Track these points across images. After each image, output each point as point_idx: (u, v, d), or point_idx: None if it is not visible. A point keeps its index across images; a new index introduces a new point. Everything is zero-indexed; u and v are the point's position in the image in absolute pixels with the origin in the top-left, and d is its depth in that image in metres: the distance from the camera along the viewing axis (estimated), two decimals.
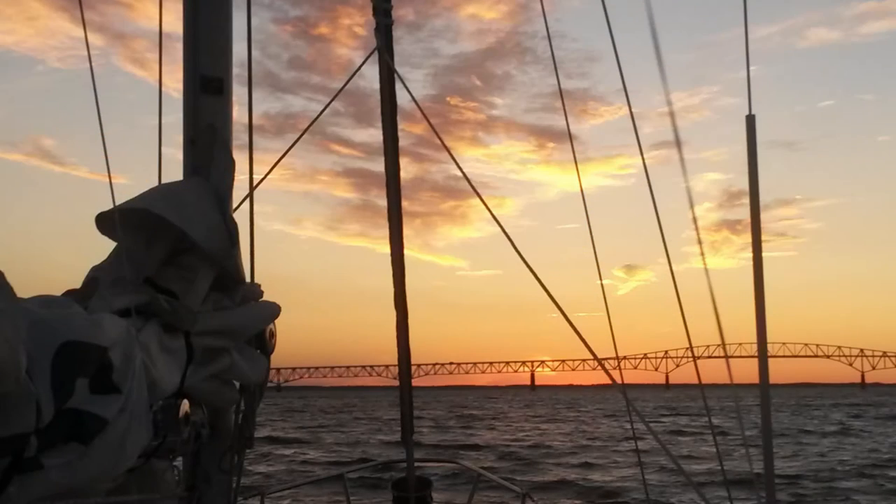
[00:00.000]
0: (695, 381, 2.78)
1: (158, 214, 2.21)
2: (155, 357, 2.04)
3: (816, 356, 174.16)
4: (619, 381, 2.82)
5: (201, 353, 2.25)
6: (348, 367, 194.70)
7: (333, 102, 3.22)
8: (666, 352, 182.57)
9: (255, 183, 2.61)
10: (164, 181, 2.52)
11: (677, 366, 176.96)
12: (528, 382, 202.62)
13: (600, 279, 3.02)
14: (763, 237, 1.97)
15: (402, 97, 3.14)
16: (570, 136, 3.20)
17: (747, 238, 1.97)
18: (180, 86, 2.56)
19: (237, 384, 2.46)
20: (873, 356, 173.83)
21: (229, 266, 2.36)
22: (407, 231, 3.27)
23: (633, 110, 2.85)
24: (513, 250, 2.76)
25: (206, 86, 2.52)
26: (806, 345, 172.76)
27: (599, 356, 2.67)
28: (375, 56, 3.10)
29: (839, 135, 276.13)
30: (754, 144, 1.94)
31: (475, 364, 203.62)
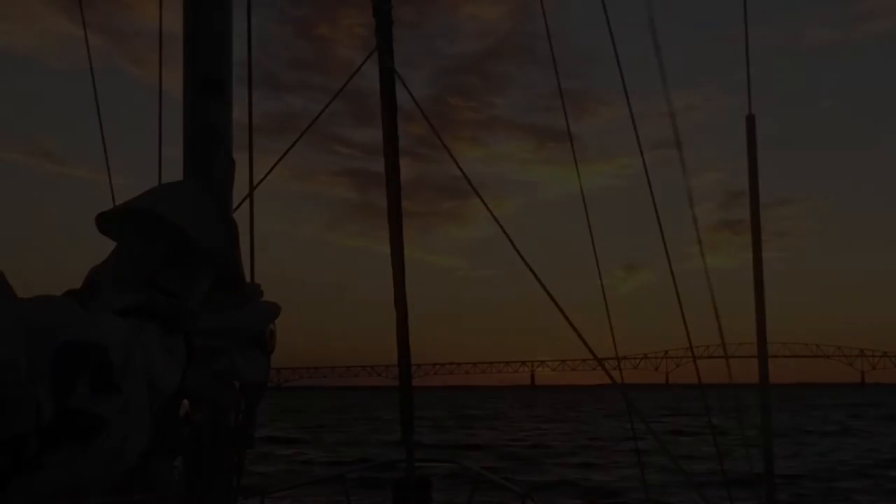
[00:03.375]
0: (695, 381, 2.78)
1: (158, 214, 2.21)
2: (155, 357, 2.03)
3: (816, 356, 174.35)
4: (619, 381, 2.82)
5: (201, 353, 2.25)
6: (348, 367, 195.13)
7: (333, 102, 3.22)
8: (666, 352, 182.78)
9: (255, 183, 2.61)
10: (164, 181, 2.52)
11: (677, 366, 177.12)
12: (528, 382, 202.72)
13: (600, 279, 3.02)
14: (763, 237, 1.97)
15: (402, 97, 3.14)
16: (570, 136, 3.20)
17: (747, 238, 1.97)
18: (180, 86, 2.56)
19: (237, 384, 2.46)
20: (873, 356, 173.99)
21: (229, 266, 2.36)
22: (407, 231, 3.27)
23: (633, 110, 2.85)
24: (513, 250, 2.76)
25: (206, 86, 2.52)
26: (806, 345, 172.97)
27: (599, 356, 2.66)
28: (375, 56, 3.10)
29: (839, 135, 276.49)
30: (754, 144, 1.94)
31: (475, 364, 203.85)
